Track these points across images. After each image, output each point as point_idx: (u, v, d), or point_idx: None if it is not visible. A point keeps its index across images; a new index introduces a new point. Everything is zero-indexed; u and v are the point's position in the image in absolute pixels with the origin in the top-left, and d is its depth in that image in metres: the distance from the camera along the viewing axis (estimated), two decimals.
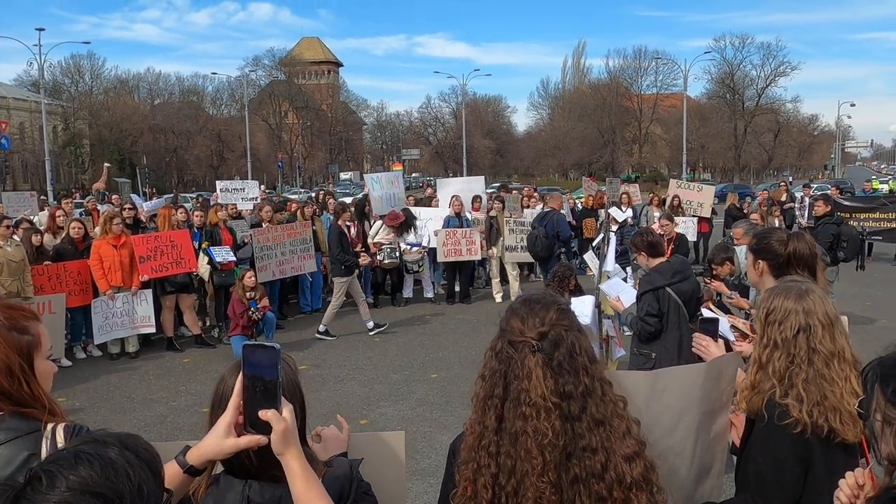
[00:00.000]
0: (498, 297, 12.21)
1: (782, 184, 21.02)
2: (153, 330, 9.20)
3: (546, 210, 11.97)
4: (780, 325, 2.20)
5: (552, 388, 1.65)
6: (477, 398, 1.76)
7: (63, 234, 9.47)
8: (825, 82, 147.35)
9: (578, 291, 7.78)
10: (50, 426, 1.69)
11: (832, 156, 75.77)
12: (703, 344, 2.80)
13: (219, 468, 1.59)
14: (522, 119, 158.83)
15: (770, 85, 71.43)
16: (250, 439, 1.46)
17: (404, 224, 11.91)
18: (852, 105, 71.07)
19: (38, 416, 1.73)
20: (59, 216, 10.04)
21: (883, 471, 1.74)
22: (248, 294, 8.87)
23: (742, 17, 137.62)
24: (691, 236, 14.44)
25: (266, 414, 1.43)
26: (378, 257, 11.63)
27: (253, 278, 9.12)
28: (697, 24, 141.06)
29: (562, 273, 7.58)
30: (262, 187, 20.00)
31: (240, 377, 1.48)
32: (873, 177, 52.22)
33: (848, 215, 13.87)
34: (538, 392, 1.64)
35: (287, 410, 1.46)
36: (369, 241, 11.81)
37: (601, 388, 1.70)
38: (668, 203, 14.81)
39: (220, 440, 1.48)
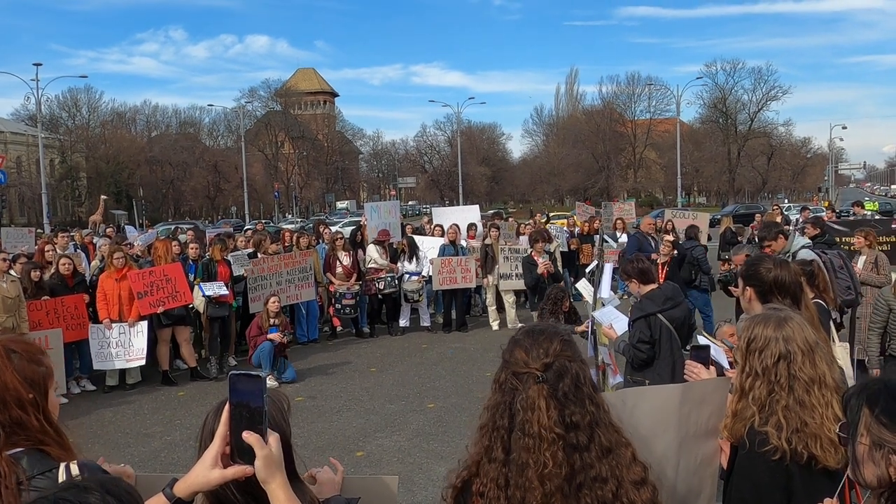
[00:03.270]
0: (495, 325, 12.20)
1: (775, 207, 21.14)
2: (144, 363, 9.14)
3: (635, 233, 12.61)
4: (760, 353, 2.23)
5: (556, 419, 1.67)
6: (484, 430, 1.78)
7: (52, 270, 9.36)
8: (817, 105, 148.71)
9: (573, 314, 7.80)
10: (63, 464, 1.71)
11: (825, 178, 76.19)
12: (694, 371, 2.82)
13: None
14: (517, 146, 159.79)
15: (762, 109, 72.21)
16: (237, 469, 1.45)
17: (409, 251, 11.98)
18: (844, 128, 71.95)
19: (53, 454, 1.75)
20: (48, 251, 10.00)
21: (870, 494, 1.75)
22: (270, 320, 9.15)
23: (733, 42, 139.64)
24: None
25: (250, 437, 1.43)
26: (379, 286, 11.65)
27: (277, 303, 9.29)
28: (689, 51, 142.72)
29: (555, 295, 7.59)
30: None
31: (226, 407, 1.48)
32: (866, 198, 52.43)
33: (839, 239, 13.92)
34: (542, 423, 1.66)
35: (273, 439, 1.46)
36: (367, 266, 11.84)
37: (606, 417, 1.74)
38: (662, 228, 14.91)
39: (207, 471, 1.47)
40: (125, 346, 8.95)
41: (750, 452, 2.17)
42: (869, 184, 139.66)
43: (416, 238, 12.99)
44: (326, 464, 1.91)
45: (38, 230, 24.43)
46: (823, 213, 19.79)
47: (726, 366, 3.99)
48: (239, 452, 1.46)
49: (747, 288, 3.15)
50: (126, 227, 26.04)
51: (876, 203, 37.30)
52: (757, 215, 20.65)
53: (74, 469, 1.71)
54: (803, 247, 6.33)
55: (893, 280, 7.81)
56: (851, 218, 17.55)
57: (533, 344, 1.75)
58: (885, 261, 8.60)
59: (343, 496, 1.73)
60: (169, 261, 9.58)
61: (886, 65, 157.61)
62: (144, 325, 9.04)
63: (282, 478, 1.46)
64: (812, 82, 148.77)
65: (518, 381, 1.72)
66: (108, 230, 16.85)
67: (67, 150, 62.77)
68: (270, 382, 8.96)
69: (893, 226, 15.20)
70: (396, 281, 11.77)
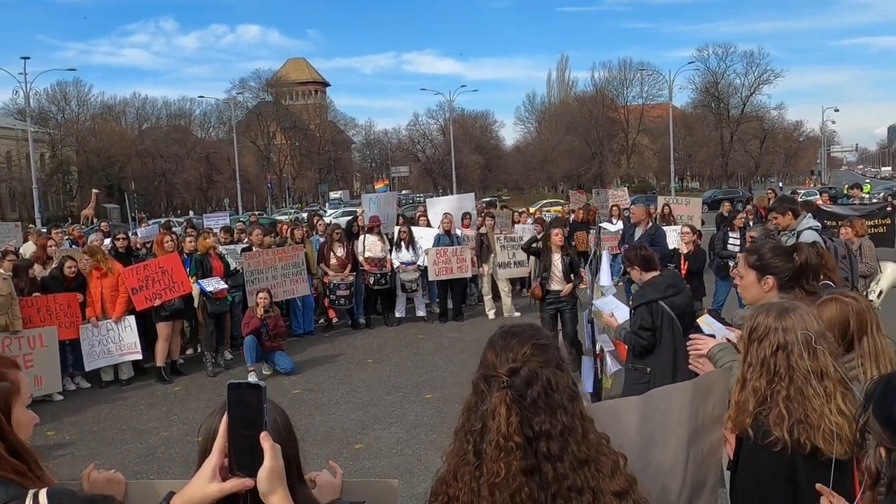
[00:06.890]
0: (491, 314, 12.18)
1: (769, 192, 21.13)
2: (140, 357, 9.09)
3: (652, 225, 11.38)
4: (759, 342, 2.20)
5: (516, 427, 1.60)
6: (458, 433, 1.73)
7: (53, 265, 9.37)
8: (809, 88, 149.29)
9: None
10: (32, 492, 1.54)
11: (818, 161, 76.42)
12: (699, 344, 2.81)
13: None
14: (510, 133, 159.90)
15: (754, 93, 72.15)
16: (236, 483, 1.41)
17: (407, 240, 11.90)
18: (836, 110, 72.37)
19: (19, 482, 1.58)
20: (49, 246, 10.00)
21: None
22: (262, 314, 9.12)
23: (725, 26, 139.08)
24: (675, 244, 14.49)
25: (265, 442, 1.39)
26: (369, 280, 11.59)
27: (266, 298, 9.22)
28: (681, 35, 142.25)
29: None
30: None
31: (224, 418, 1.44)
32: (867, 181, 52.55)
33: (834, 223, 13.90)
34: (501, 431, 1.60)
35: (276, 450, 1.42)
36: (360, 257, 11.77)
37: (581, 427, 1.66)
38: (659, 212, 14.88)
39: (204, 485, 1.42)
40: (116, 342, 8.91)
41: (754, 444, 2.15)
42: (861, 166, 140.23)
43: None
44: (326, 461, 1.88)
45: (30, 225, 24.28)
46: (816, 197, 19.80)
47: (733, 337, 3.93)
48: (238, 464, 1.42)
49: (767, 277, 3.03)
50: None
51: (869, 185, 37.45)
52: (751, 199, 20.61)
53: (43, 498, 1.55)
54: (810, 228, 6.22)
55: (889, 270, 7.70)
56: (851, 201, 17.52)
57: (504, 347, 1.69)
58: (870, 250, 8.60)
59: (346, 499, 1.70)
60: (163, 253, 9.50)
61: (879, 47, 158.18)
62: (132, 318, 9.00)
63: (283, 491, 1.42)
64: (804, 65, 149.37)
65: (486, 385, 1.67)
66: (101, 224, 16.74)
67: (57, 144, 62.34)
68: (252, 378, 8.94)
69: (889, 209, 15.22)
70: (388, 278, 11.71)
